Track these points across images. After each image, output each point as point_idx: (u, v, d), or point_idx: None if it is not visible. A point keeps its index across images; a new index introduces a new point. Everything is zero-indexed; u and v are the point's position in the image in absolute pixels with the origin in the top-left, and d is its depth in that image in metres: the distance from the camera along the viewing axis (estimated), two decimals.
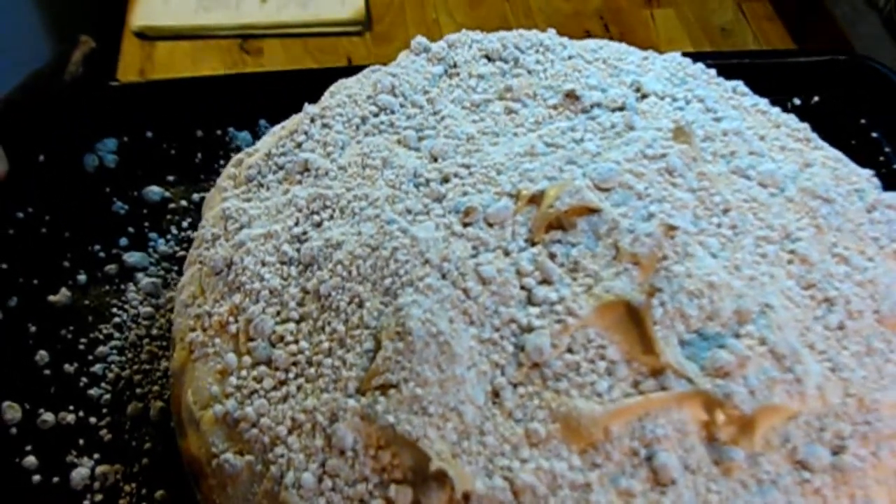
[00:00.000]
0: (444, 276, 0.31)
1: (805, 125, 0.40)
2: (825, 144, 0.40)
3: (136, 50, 0.79)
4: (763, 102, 0.41)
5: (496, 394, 0.30)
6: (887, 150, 0.50)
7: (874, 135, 0.51)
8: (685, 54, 0.44)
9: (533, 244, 0.32)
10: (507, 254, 0.32)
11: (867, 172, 0.39)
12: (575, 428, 0.29)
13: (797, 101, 0.52)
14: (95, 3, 1.27)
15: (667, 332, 0.31)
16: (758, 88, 0.50)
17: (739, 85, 0.41)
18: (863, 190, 0.38)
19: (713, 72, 0.42)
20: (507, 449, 0.29)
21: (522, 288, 0.31)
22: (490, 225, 0.33)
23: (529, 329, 0.31)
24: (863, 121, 0.52)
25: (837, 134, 0.51)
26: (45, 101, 0.44)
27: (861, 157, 0.50)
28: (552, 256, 0.32)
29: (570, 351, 0.30)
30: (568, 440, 0.29)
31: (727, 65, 0.53)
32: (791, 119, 0.40)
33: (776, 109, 0.41)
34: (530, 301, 0.31)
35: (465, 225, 0.33)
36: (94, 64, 0.46)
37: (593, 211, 0.32)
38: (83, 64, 0.45)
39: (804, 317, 0.33)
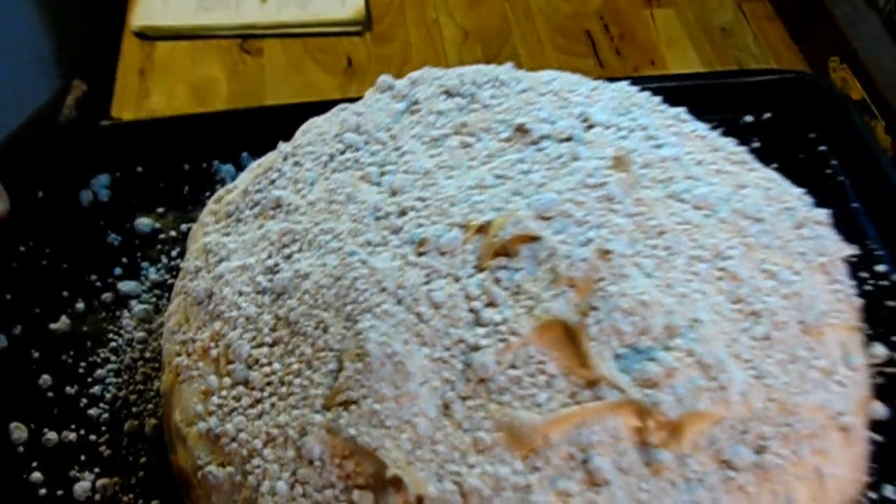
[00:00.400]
0: (399, 302, 0.36)
1: (742, 148, 0.44)
2: (760, 166, 0.44)
3: (136, 50, 0.83)
4: (703, 128, 0.45)
5: (446, 407, 0.34)
6: (833, 162, 0.54)
7: (822, 148, 0.55)
8: (647, 79, 0.49)
9: (480, 270, 0.37)
10: (456, 280, 0.36)
11: (798, 191, 0.43)
12: (517, 436, 0.34)
13: (749, 119, 0.56)
14: (95, 3, 1.31)
15: (602, 347, 0.35)
16: (713, 107, 0.55)
17: (682, 112, 0.46)
18: (793, 208, 0.42)
19: (658, 99, 0.46)
20: (457, 456, 0.34)
21: (470, 311, 0.36)
22: (442, 254, 0.37)
23: (476, 348, 0.35)
24: (811, 135, 0.56)
25: (787, 148, 0.55)
26: (42, 142, 0.48)
27: (809, 170, 0.54)
28: (497, 281, 0.36)
29: (512, 367, 0.35)
30: (511, 447, 0.34)
31: (684, 87, 0.58)
32: (729, 143, 0.44)
33: (715, 134, 0.45)
34: (477, 322, 0.36)
35: (420, 254, 0.37)
36: (87, 106, 0.51)
37: (535, 239, 0.37)
38: (76, 107, 0.49)
39: (731, 329, 0.37)
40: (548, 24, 0.93)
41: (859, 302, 0.42)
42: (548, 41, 0.91)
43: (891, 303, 0.48)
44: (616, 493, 0.33)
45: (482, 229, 0.37)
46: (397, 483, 0.33)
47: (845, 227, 0.50)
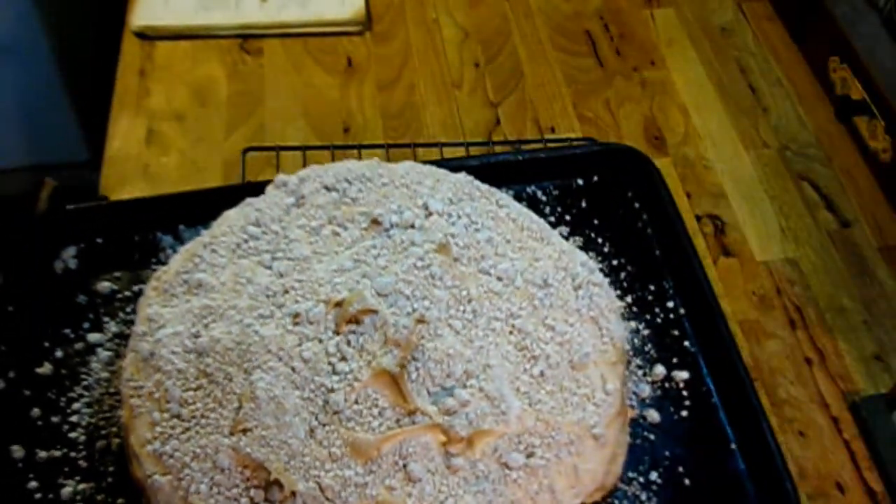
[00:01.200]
0: (279, 360, 0.55)
1: (545, 226, 0.64)
2: (558, 240, 0.63)
3: (136, 50, 0.91)
4: (516, 210, 0.64)
5: (312, 431, 0.54)
6: (644, 216, 0.73)
7: (636, 205, 0.74)
8: (505, 154, 0.66)
9: (337, 334, 0.56)
10: (320, 341, 0.56)
11: (583, 258, 0.62)
12: (359, 450, 0.53)
13: (581, 182, 0.75)
14: (95, 3, 1.39)
15: (419, 387, 0.55)
16: (552, 174, 0.74)
17: (503, 198, 0.65)
18: (576, 273, 0.62)
19: (486, 187, 0.65)
20: (318, 464, 0.53)
21: (329, 363, 0.55)
22: (311, 323, 0.57)
23: (332, 390, 0.55)
24: (629, 194, 0.74)
25: (609, 205, 0.74)
26: (22, 226, 0.67)
27: (626, 222, 0.73)
28: (348, 342, 0.56)
29: (356, 402, 0.54)
30: (354, 457, 0.53)
31: (531, 159, 0.76)
32: (534, 222, 0.64)
33: (525, 214, 0.64)
34: (333, 372, 0.55)
35: (296, 324, 0.57)
36: (57, 198, 0.70)
37: (374, 311, 0.56)
38: (48, 200, 0.68)
39: (515, 370, 0.57)
40: (548, 24, 1.01)
41: (622, 343, 0.61)
42: (548, 41, 0.99)
43: (674, 332, 0.68)
44: (426, 486, 0.53)
45: (339, 304, 0.57)
46: (278, 483, 0.53)
47: (648, 269, 0.71)
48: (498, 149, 0.84)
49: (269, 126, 0.91)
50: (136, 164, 0.87)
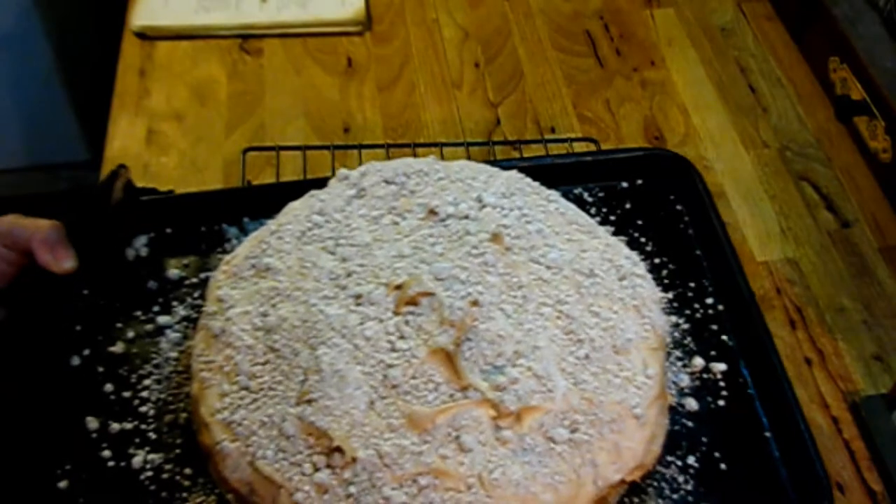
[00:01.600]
0: (342, 337, 0.61)
1: (592, 221, 0.69)
2: (604, 234, 0.69)
3: (136, 50, 0.93)
4: (564, 206, 0.70)
5: (371, 403, 0.59)
6: (686, 218, 0.78)
7: (678, 207, 0.79)
8: (553, 156, 0.71)
9: (396, 315, 0.62)
10: (380, 321, 0.62)
11: (627, 252, 0.68)
12: (415, 421, 0.59)
13: (625, 184, 0.80)
14: (95, 3, 1.44)
15: (471, 365, 0.60)
16: (599, 175, 0.79)
17: (552, 194, 0.70)
18: (621, 265, 0.67)
19: (536, 184, 0.71)
20: (377, 433, 0.58)
21: (388, 342, 0.61)
22: (372, 304, 0.62)
23: (391, 366, 0.60)
24: (671, 197, 0.79)
25: (652, 207, 0.79)
26: (98, 215, 0.74)
27: (668, 223, 0.78)
28: (406, 322, 0.61)
29: (413, 378, 0.60)
30: (411, 428, 0.59)
31: (579, 162, 0.82)
32: (581, 217, 0.69)
33: (573, 209, 0.70)
34: (392, 349, 0.61)
35: (357, 305, 0.63)
36: (131, 188, 0.76)
37: (431, 294, 0.62)
38: (123, 190, 0.75)
39: (562, 352, 0.62)
40: (548, 24, 1.04)
41: (663, 331, 0.66)
42: (548, 41, 1.02)
43: (712, 326, 0.73)
44: (476, 456, 0.58)
45: (398, 287, 0.63)
46: (340, 450, 0.58)
47: (688, 267, 0.75)
48: (525, 152, 0.86)
49: (269, 126, 0.93)
50: (136, 164, 0.90)
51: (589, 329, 0.63)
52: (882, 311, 0.79)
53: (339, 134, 0.93)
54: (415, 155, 0.87)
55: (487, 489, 0.57)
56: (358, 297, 0.63)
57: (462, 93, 0.98)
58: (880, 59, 0.84)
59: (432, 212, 0.68)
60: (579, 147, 0.88)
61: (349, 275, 0.64)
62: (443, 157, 0.86)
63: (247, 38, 0.96)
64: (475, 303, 0.61)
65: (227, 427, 0.61)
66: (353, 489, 0.57)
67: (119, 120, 0.95)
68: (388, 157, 0.86)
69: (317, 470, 0.58)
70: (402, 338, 0.61)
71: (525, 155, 0.88)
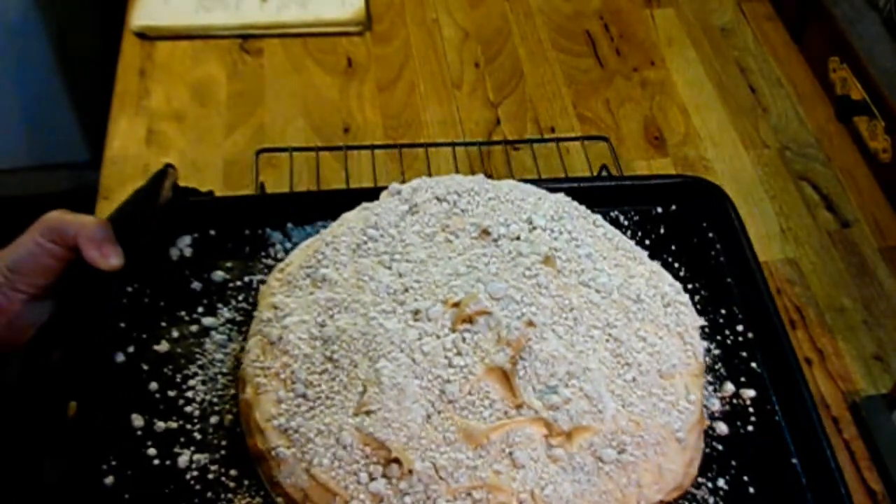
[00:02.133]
0: (401, 351, 0.64)
1: (636, 247, 0.73)
2: (648, 260, 0.73)
3: (136, 50, 0.94)
4: (611, 231, 0.74)
5: (428, 417, 0.63)
6: (718, 246, 0.82)
7: (710, 234, 0.82)
8: (585, 178, 0.75)
9: (453, 332, 0.65)
10: (438, 337, 0.65)
11: (670, 280, 0.72)
12: (470, 436, 0.62)
13: (660, 210, 0.83)
14: (96, 3, 1.46)
15: (526, 384, 0.64)
16: (635, 199, 0.83)
17: (598, 219, 0.74)
18: (665, 292, 0.71)
19: (583, 208, 0.75)
20: (433, 446, 0.62)
21: (445, 358, 0.64)
22: (430, 320, 0.66)
23: (448, 381, 0.63)
24: (704, 224, 0.83)
25: (685, 233, 0.83)
26: (145, 213, 0.76)
27: (700, 250, 0.82)
28: (463, 340, 0.65)
29: (469, 394, 0.63)
30: (466, 442, 0.62)
31: (616, 186, 0.85)
32: (626, 242, 0.73)
33: (618, 234, 0.73)
34: (450, 365, 0.64)
35: (416, 320, 0.66)
36: (178, 187, 0.78)
37: (488, 313, 0.65)
38: (172, 189, 0.77)
39: (611, 374, 0.66)
40: (548, 24, 1.06)
41: (702, 357, 0.70)
42: (548, 41, 1.04)
43: (742, 353, 0.77)
44: (528, 472, 0.62)
45: (456, 305, 0.66)
46: (397, 461, 0.61)
47: (720, 295, 0.79)
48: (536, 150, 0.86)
49: (268, 126, 0.94)
50: (136, 164, 0.91)
51: (636, 353, 0.67)
52: (882, 311, 0.81)
53: (339, 134, 0.94)
54: (426, 154, 0.88)
55: None
56: (416, 312, 0.66)
57: (462, 93, 1.00)
58: (880, 59, 0.86)
59: (485, 231, 0.71)
60: (589, 145, 0.90)
61: (406, 290, 0.67)
62: (455, 157, 0.86)
63: (247, 38, 0.97)
64: (531, 323, 0.65)
65: (283, 433, 0.64)
66: (407, 500, 0.60)
67: (119, 120, 0.96)
68: (400, 158, 0.86)
69: (373, 479, 0.61)
70: (458, 354, 0.64)
71: (530, 154, 0.88)
